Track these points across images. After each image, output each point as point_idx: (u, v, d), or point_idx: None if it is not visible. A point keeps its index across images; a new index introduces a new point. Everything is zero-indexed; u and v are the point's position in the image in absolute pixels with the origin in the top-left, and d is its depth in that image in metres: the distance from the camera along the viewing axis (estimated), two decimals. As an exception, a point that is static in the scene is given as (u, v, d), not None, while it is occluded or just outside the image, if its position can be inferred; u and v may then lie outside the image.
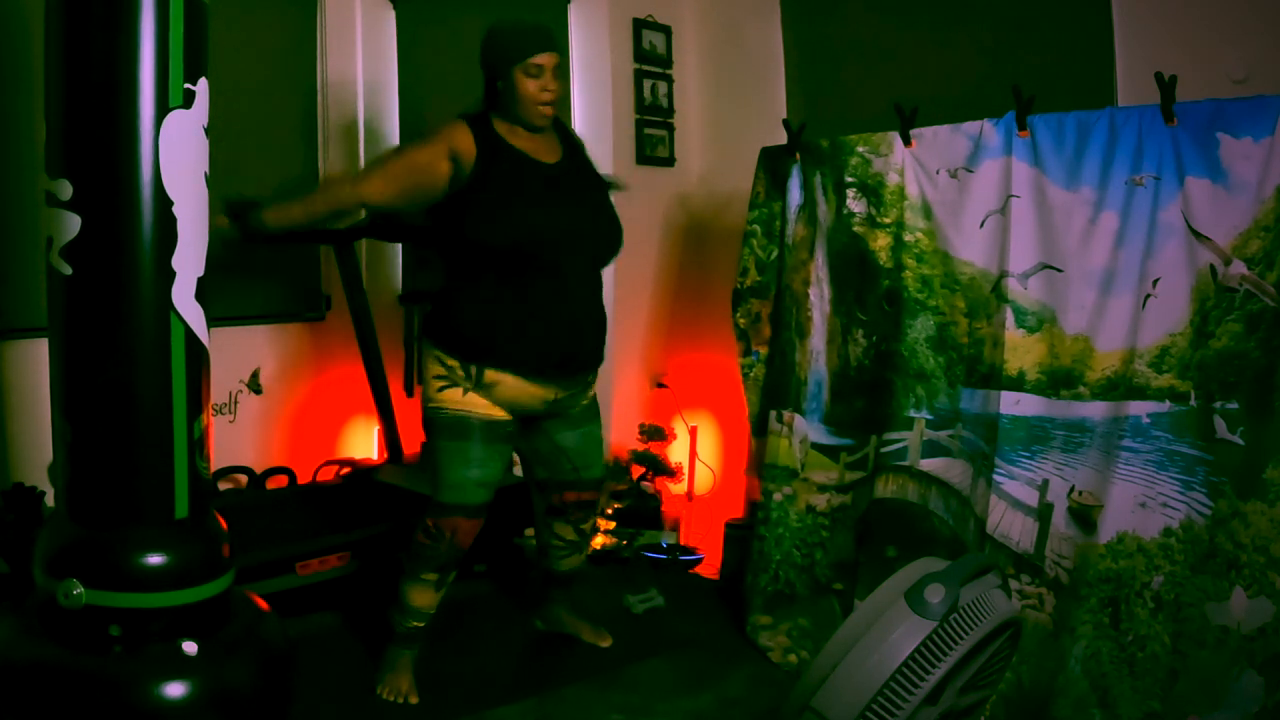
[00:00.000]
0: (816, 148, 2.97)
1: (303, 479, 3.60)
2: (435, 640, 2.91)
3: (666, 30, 4.26)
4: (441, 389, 2.48)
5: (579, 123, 4.14)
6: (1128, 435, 2.32)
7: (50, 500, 2.76)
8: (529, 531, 3.17)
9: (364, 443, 3.87)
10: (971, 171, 2.59)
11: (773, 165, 3.18)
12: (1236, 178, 2.18)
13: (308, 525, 3.09)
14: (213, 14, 2.07)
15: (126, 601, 1.98)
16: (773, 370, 3.17)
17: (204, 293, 2.09)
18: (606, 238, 2.60)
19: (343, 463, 3.67)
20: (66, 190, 1.95)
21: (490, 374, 2.46)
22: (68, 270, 1.98)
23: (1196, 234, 2.24)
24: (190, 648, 2.01)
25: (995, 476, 2.49)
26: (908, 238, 2.72)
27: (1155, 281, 2.29)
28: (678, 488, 4.00)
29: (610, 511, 3.74)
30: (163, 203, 1.97)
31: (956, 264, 2.64)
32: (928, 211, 2.69)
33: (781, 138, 3.13)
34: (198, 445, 2.09)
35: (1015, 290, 2.49)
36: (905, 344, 2.72)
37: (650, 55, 4.20)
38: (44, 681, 1.95)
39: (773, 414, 3.09)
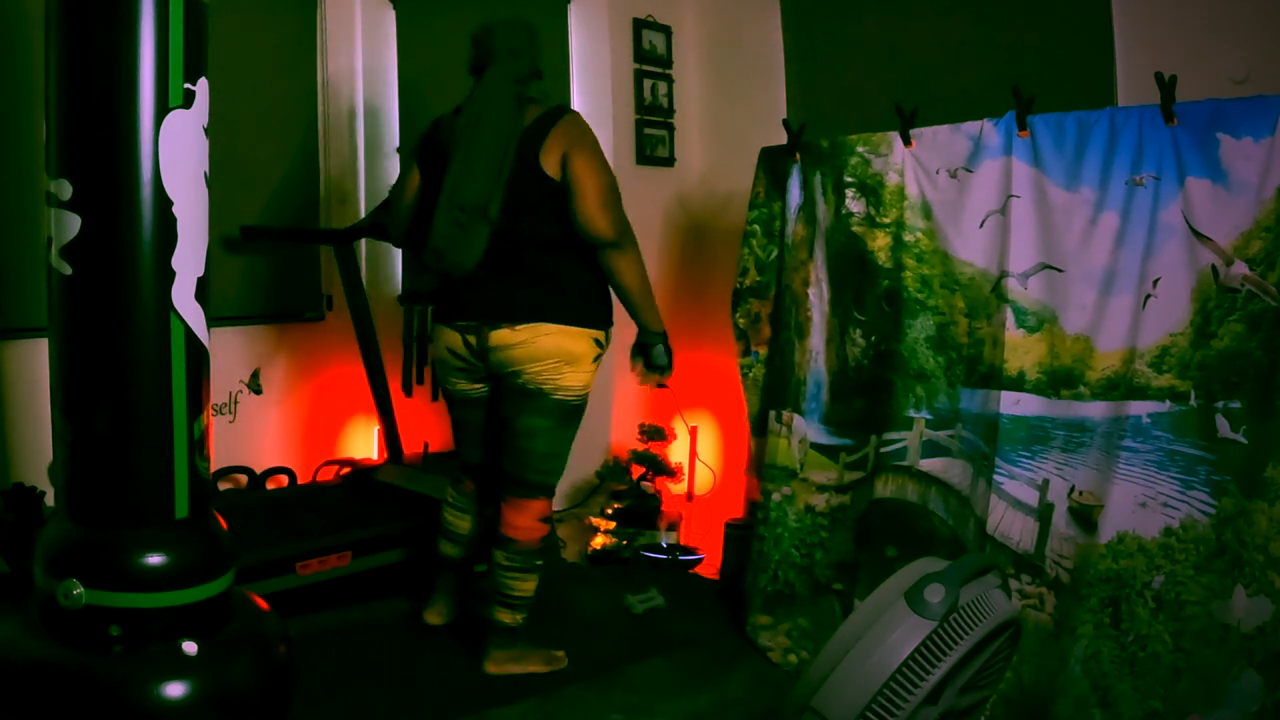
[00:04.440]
0: (816, 148, 2.97)
1: (303, 479, 3.61)
2: (436, 640, 2.92)
3: (666, 30, 4.26)
4: (595, 371, 2.63)
5: (579, 123, 4.14)
6: (1128, 435, 2.32)
7: (50, 500, 2.76)
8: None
9: (364, 443, 3.87)
10: (971, 171, 2.58)
11: (773, 165, 3.18)
12: (1237, 178, 2.17)
13: (308, 525, 3.09)
14: (213, 14, 2.07)
15: (126, 601, 1.98)
16: (772, 370, 3.17)
17: (204, 293, 2.08)
18: None
19: (343, 463, 3.68)
20: (66, 190, 1.95)
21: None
22: (68, 270, 1.98)
23: (1197, 234, 2.24)
24: (190, 648, 2.01)
25: (995, 476, 2.49)
26: (907, 238, 2.72)
27: (1156, 281, 2.29)
28: (678, 488, 4.00)
29: (610, 511, 3.73)
30: (163, 203, 1.97)
31: (956, 264, 2.63)
32: (927, 211, 2.69)
33: (781, 138, 3.13)
34: (198, 445, 2.09)
35: (1015, 290, 2.49)
36: (905, 344, 2.72)
37: (650, 55, 4.20)
38: (44, 681, 1.95)
39: (772, 414, 3.09)
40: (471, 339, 2.58)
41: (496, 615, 2.69)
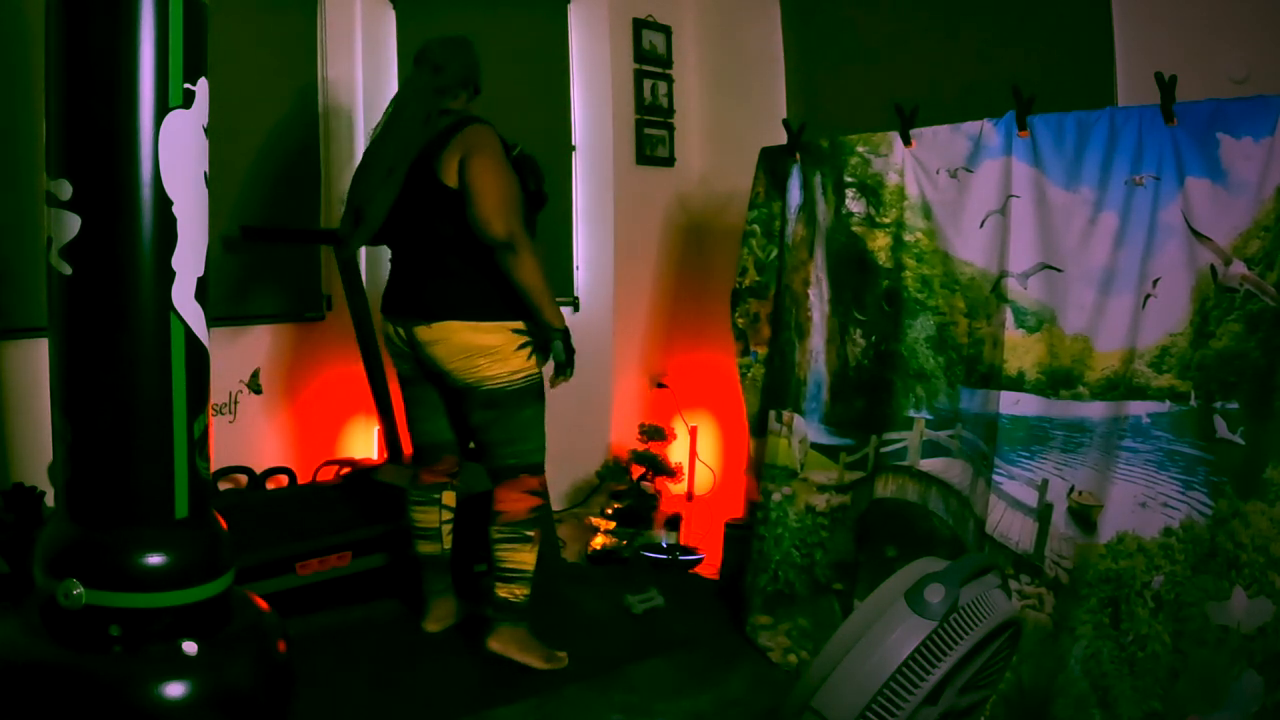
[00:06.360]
0: (816, 148, 2.97)
1: (303, 479, 3.60)
2: (435, 640, 2.92)
3: (666, 30, 4.26)
4: (530, 354, 2.71)
5: (579, 123, 4.15)
6: (1128, 435, 2.32)
7: (50, 500, 2.77)
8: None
9: (364, 443, 3.87)
10: (971, 171, 2.58)
11: (772, 165, 3.18)
12: (1236, 178, 2.17)
13: (308, 525, 3.09)
14: (213, 14, 2.07)
15: (126, 601, 1.98)
16: (772, 370, 3.17)
17: (204, 293, 2.09)
18: None
19: (343, 463, 3.67)
20: (66, 190, 1.95)
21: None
22: (68, 270, 1.98)
23: (1196, 234, 2.24)
24: (190, 648, 2.01)
25: (995, 476, 2.49)
26: (907, 238, 2.72)
27: (1155, 281, 2.29)
28: (678, 488, 4.00)
29: (610, 511, 3.74)
30: (163, 203, 1.97)
31: (956, 264, 2.63)
32: (927, 211, 2.69)
33: (781, 138, 3.13)
34: (198, 445, 2.09)
35: (1015, 290, 2.49)
36: (905, 344, 2.72)
37: (650, 55, 4.20)
38: (44, 681, 1.95)
39: (772, 414, 3.09)
40: (401, 332, 2.75)
41: (496, 591, 2.75)
